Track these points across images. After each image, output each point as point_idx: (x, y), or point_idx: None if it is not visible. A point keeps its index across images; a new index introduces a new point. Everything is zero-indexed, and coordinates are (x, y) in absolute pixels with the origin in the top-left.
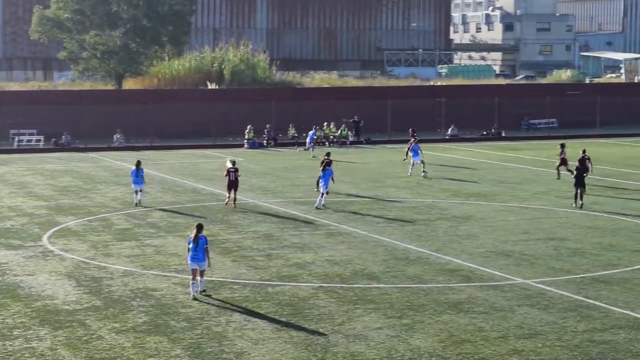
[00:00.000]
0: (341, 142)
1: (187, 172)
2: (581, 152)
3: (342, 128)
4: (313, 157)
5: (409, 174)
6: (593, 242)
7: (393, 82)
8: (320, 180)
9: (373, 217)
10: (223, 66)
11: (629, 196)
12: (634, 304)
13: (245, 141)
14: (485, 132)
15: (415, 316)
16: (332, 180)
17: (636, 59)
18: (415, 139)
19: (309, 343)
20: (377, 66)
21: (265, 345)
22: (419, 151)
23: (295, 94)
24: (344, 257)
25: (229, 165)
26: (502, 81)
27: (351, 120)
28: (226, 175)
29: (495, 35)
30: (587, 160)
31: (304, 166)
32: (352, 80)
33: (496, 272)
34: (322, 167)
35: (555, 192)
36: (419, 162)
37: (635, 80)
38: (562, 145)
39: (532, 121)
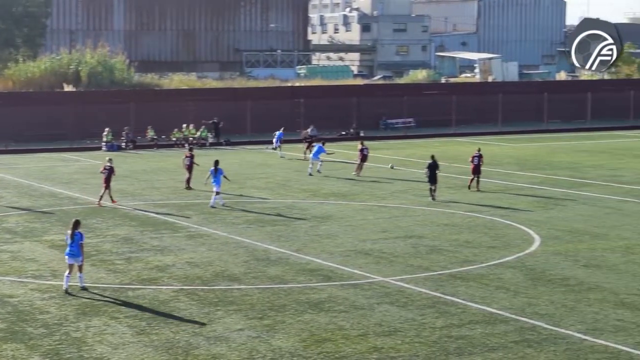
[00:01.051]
0: (201, 144)
1: (44, 176)
2: (476, 150)
3: (201, 129)
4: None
5: (315, 172)
6: (450, 239)
7: (252, 83)
8: (211, 178)
9: (234, 218)
10: (80, 68)
11: (483, 193)
12: (490, 299)
13: (104, 144)
14: (344, 132)
15: (276, 316)
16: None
17: (490, 58)
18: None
19: (170, 346)
20: (236, 67)
21: (125, 349)
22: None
23: (154, 95)
24: (204, 259)
25: (106, 162)
26: (360, 81)
27: (210, 121)
28: (102, 172)
29: (353, 36)
30: (479, 158)
31: (163, 168)
32: (211, 81)
33: (356, 271)
34: (187, 164)
35: (413, 190)
36: (316, 160)
37: (489, 80)
38: (362, 143)
39: (389, 121)
